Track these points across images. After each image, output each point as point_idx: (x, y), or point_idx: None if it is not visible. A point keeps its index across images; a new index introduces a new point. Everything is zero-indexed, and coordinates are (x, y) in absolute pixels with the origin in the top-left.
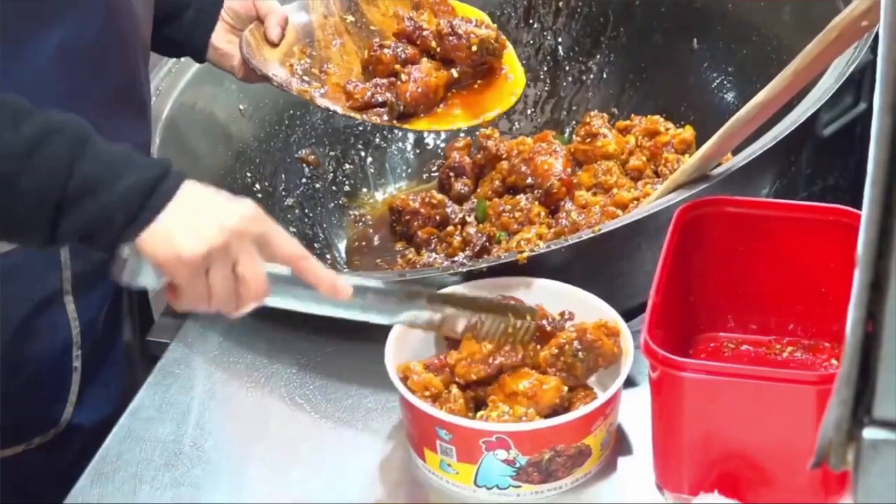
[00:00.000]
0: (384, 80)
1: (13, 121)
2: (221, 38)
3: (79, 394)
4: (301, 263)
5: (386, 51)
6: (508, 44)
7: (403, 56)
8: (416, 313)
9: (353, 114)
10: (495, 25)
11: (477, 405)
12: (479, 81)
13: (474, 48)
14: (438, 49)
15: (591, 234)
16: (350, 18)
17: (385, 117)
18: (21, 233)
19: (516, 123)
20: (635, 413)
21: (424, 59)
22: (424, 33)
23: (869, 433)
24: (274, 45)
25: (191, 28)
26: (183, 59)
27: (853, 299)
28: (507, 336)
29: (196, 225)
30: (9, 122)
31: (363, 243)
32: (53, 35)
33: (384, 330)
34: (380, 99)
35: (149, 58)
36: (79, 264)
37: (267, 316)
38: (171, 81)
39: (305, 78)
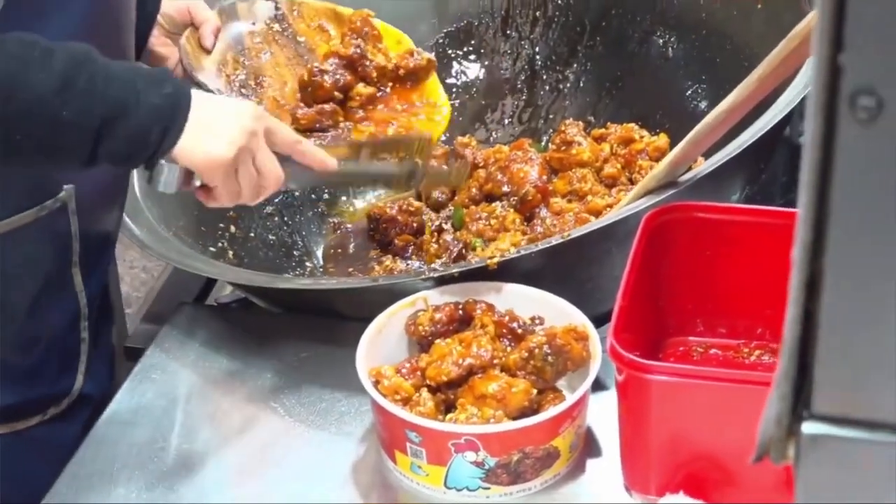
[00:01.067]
0: (328, 107)
1: (42, 59)
2: (157, 42)
3: (87, 363)
4: (298, 147)
5: (326, 77)
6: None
7: (342, 83)
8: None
9: None
10: (419, 51)
11: (447, 408)
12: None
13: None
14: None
15: (560, 239)
16: (276, 27)
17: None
18: (63, 158)
19: (494, 133)
20: (604, 416)
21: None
22: (368, 64)
23: (808, 427)
24: (208, 52)
25: None
26: None
27: (790, 298)
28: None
29: (221, 130)
30: (39, 61)
31: (339, 251)
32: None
33: (357, 335)
34: (325, 123)
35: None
36: (86, 235)
37: (243, 321)
38: None
39: (244, 91)
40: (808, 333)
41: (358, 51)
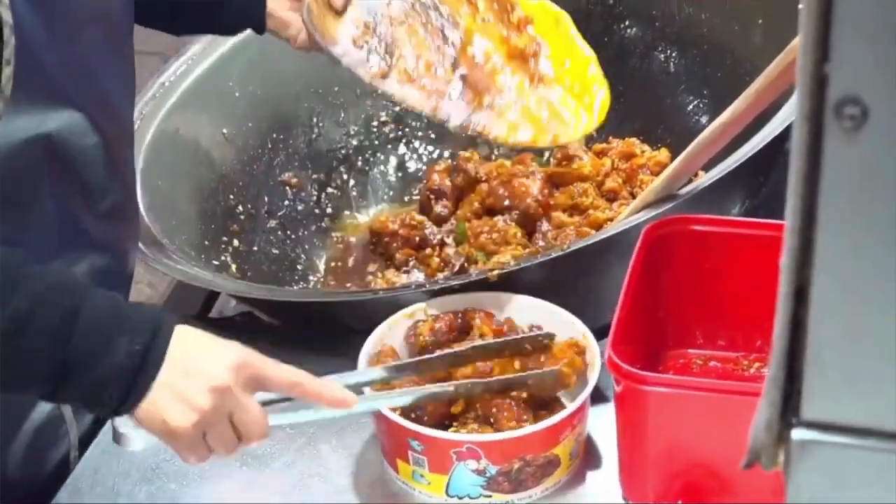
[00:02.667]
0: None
1: (5, 290)
2: (280, 5)
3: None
4: (299, 390)
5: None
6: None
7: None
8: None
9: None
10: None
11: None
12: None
13: None
14: None
15: (560, 252)
16: None
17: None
18: (25, 393)
19: (496, 147)
20: (603, 426)
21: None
22: None
23: (797, 434)
24: (337, 13)
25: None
26: (167, 84)
27: (779, 306)
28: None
29: (184, 393)
30: (1, 292)
31: (339, 264)
32: None
33: (358, 348)
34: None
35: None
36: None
37: (246, 333)
38: (154, 106)
39: (371, 57)
40: (796, 341)
41: None
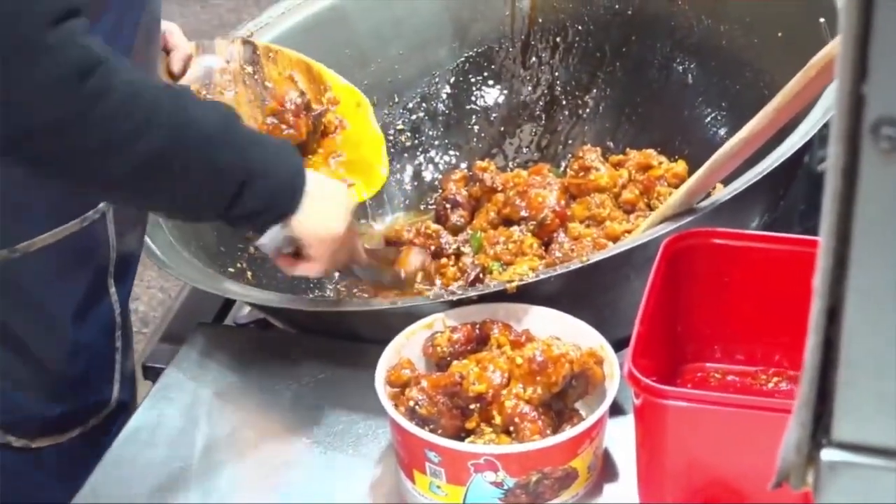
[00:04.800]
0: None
1: (199, 104)
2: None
3: (120, 373)
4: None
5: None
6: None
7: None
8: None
9: None
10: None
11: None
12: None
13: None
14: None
15: (579, 264)
16: (249, 69)
17: None
18: (203, 207)
19: (512, 158)
20: (621, 439)
21: None
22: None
23: (827, 455)
24: (174, 78)
25: None
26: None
27: (811, 325)
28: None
29: (332, 210)
30: (198, 106)
31: None
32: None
33: (374, 356)
34: None
35: None
36: (122, 246)
37: (261, 342)
38: None
39: None
40: (828, 361)
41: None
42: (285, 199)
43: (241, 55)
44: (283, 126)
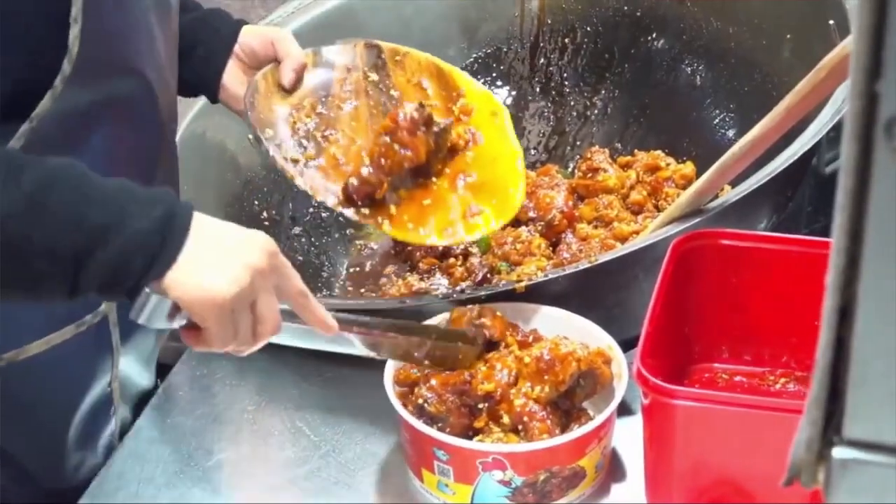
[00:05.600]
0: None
1: (8, 178)
2: (234, 78)
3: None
4: (303, 301)
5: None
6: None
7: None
8: (386, 341)
9: (330, 205)
10: (497, 107)
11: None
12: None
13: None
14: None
15: (588, 265)
16: (373, 77)
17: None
18: (43, 290)
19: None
20: (629, 439)
21: None
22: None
23: (838, 452)
24: (287, 92)
25: (200, 67)
26: None
27: (823, 324)
28: (457, 362)
29: (221, 264)
30: (4, 180)
31: (357, 269)
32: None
33: None
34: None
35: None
36: (129, 350)
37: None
38: (181, 110)
39: (304, 142)
40: (839, 359)
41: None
42: (141, 261)
43: (365, 60)
44: (398, 146)
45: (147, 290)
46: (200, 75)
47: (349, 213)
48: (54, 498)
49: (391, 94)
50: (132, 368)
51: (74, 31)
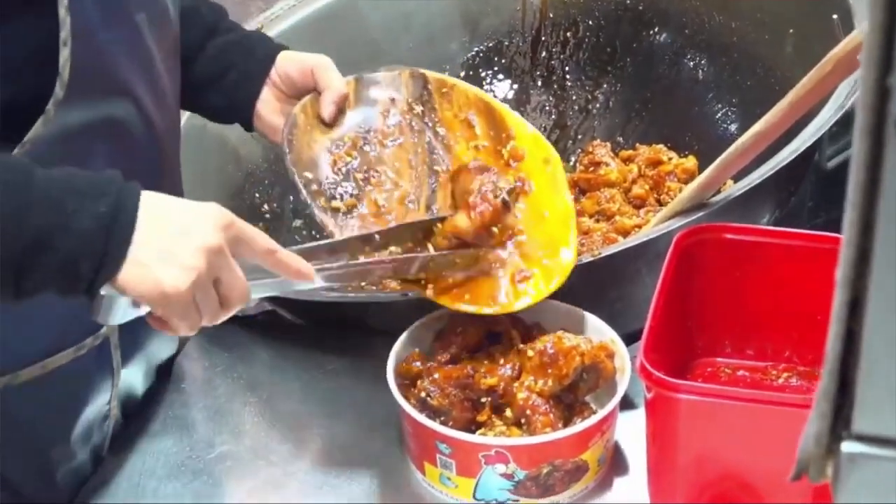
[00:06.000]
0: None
1: None
2: (269, 107)
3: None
4: (272, 259)
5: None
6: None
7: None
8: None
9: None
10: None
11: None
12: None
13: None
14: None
15: (591, 258)
16: (418, 109)
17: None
18: None
19: None
20: (632, 434)
21: None
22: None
23: (847, 447)
24: (327, 126)
25: (232, 91)
26: None
27: (833, 317)
28: (456, 267)
29: (173, 253)
30: None
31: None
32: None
33: (383, 347)
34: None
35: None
36: (129, 375)
37: (270, 333)
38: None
39: (344, 183)
40: (849, 353)
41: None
42: (89, 263)
43: (410, 90)
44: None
45: (102, 292)
46: (232, 100)
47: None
48: None
49: (437, 130)
50: (132, 380)
51: (65, 54)
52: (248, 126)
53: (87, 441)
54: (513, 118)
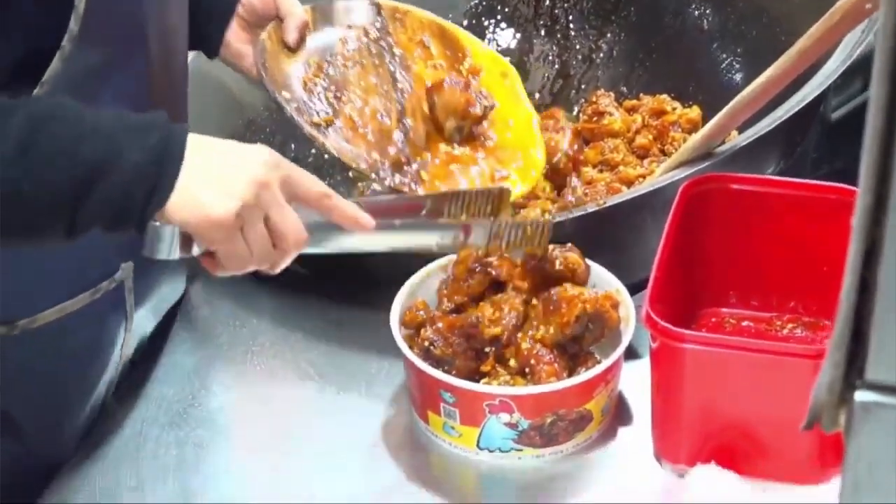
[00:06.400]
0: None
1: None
2: (235, 36)
3: None
4: (326, 202)
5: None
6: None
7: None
8: (440, 233)
9: (362, 169)
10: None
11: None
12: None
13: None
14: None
15: (596, 207)
16: (374, 33)
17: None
18: (40, 234)
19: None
20: (636, 384)
21: None
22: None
23: (860, 396)
24: (291, 51)
25: (204, 22)
26: None
27: (848, 265)
28: (528, 240)
29: (220, 182)
30: None
31: None
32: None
33: (385, 297)
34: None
35: None
36: (141, 320)
37: (272, 281)
38: None
39: (319, 103)
40: (863, 301)
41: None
42: (142, 193)
43: (364, 18)
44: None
45: (154, 222)
46: (203, 31)
47: (388, 180)
48: (44, 461)
49: (394, 52)
50: (144, 324)
51: (80, 9)
52: (212, 54)
53: (97, 387)
54: (467, 38)
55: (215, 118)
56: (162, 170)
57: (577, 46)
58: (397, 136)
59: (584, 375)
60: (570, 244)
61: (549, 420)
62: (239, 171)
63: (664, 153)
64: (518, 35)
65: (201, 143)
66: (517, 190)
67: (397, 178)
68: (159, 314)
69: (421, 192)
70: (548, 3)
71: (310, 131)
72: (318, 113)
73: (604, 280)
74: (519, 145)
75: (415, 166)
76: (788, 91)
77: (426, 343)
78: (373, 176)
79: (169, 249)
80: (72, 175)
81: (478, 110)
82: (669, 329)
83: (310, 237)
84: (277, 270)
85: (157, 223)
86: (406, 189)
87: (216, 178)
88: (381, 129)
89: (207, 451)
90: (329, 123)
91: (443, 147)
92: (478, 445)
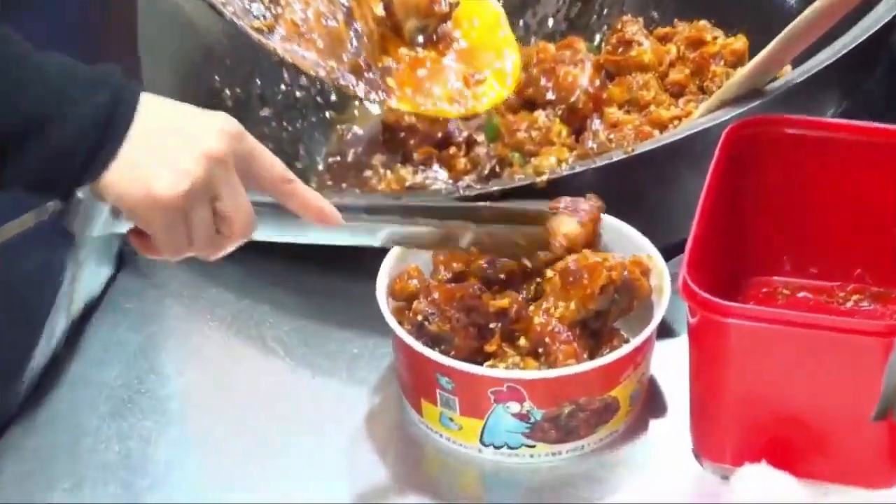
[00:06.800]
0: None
1: None
2: None
3: None
4: (286, 187)
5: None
6: None
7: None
8: (414, 230)
9: (322, 76)
10: None
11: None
12: None
13: None
14: None
15: (623, 156)
16: None
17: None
18: None
19: (536, 31)
20: (671, 366)
21: None
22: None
23: None
24: None
25: None
26: None
27: None
28: (518, 249)
29: (170, 155)
30: None
31: (337, 159)
32: None
33: (372, 265)
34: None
35: None
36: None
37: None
38: None
39: (253, 5)
40: None
41: None
42: (82, 154)
43: None
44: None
45: (80, 194)
46: None
47: (351, 86)
48: None
49: None
50: (90, 262)
51: None
52: None
53: (39, 333)
54: None
55: (169, 47)
56: (108, 131)
57: None
58: (349, 40)
59: (608, 357)
60: (590, 194)
61: (566, 410)
62: (192, 143)
63: (703, 91)
64: None
65: (152, 106)
66: (497, 92)
67: (361, 86)
68: (110, 257)
69: (393, 103)
70: None
71: (258, 38)
72: (257, 18)
73: (632, 243)
74: (491, 49)
75: (378, 74)
76: (852, 17)
77: (420, 317)
78: (336, 84)
79: (97, 225)
80: (6, 125)
81: (444, 7)
82: (711, 301)
83: (259, 222)
84: (216, 258)
85: (82, 196)
86: (376, 98)
87: (165, 151)
88: (330, 34)
89: (156, 447)
90: (271, 29)
91: (403, 51)
92: (481, 441)
